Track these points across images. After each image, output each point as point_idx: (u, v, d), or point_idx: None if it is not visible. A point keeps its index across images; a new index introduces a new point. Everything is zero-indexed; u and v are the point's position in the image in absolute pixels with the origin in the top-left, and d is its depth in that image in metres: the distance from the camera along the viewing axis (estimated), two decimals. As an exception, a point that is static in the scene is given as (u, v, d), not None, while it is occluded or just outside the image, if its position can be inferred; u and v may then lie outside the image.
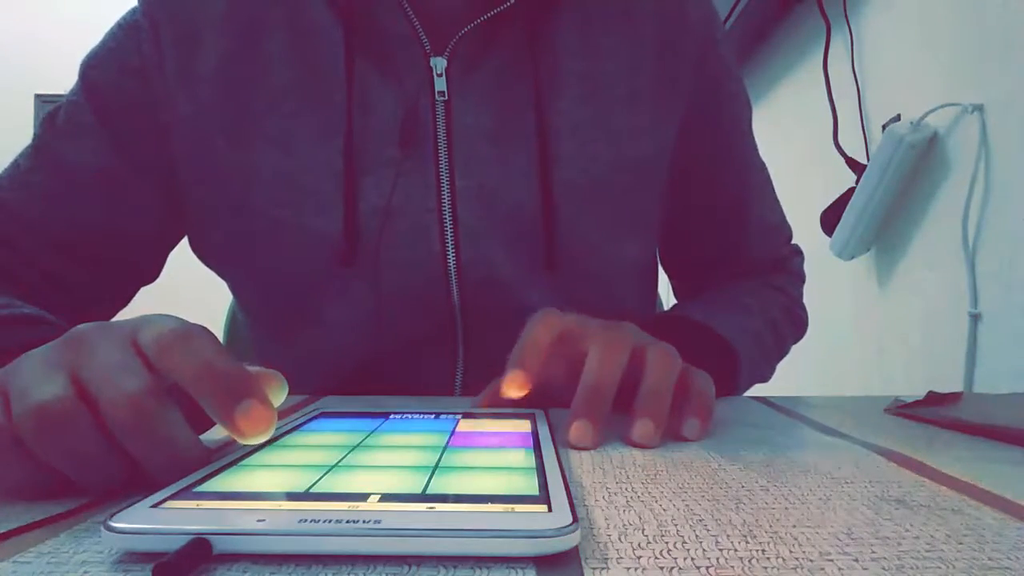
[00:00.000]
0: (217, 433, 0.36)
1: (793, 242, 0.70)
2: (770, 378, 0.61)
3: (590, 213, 0.54)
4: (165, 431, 0.25)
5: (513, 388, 0.36)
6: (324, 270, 0.52)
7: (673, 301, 0.71)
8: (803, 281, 0.69)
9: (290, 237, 0.51)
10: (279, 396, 0.28)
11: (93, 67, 0.54)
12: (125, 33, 0.53)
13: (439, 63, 0.52)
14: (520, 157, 0.53)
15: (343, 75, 0.51)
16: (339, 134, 0.51)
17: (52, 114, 0.54)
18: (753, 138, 0.65)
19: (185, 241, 0.59)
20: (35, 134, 0.54)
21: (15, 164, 0.54)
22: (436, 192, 0.52)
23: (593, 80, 0.55)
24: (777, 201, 0.68)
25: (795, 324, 0.65)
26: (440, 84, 0.52)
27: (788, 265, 0.68)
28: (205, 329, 0.27)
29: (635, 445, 0.34)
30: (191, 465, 0.25)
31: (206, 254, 0.57)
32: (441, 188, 0.52)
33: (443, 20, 0.52)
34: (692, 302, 0.60)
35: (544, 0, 0.54)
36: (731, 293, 0.61)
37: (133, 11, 0.54)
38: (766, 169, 0.67)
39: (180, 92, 0.52)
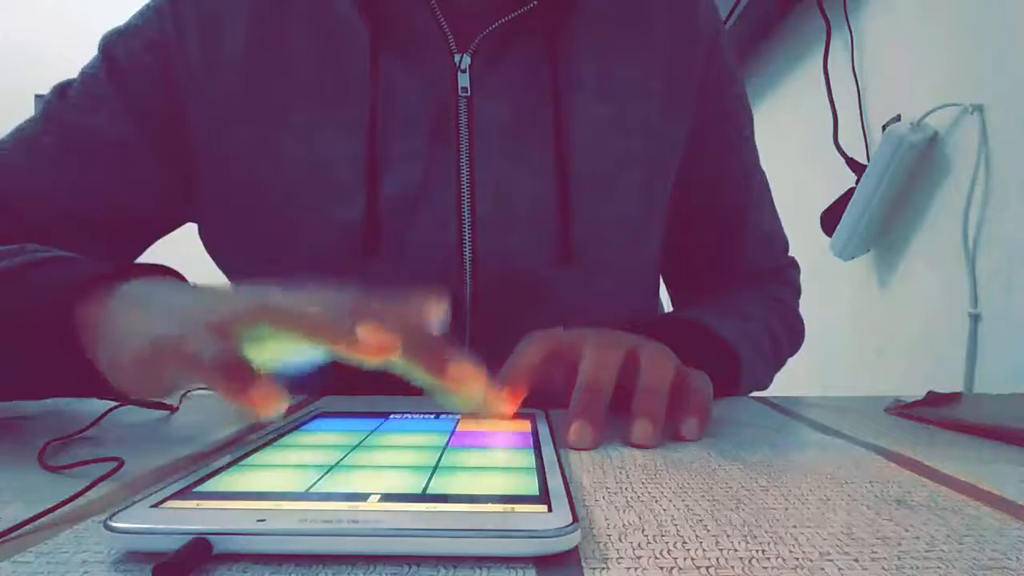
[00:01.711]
0: (217, 433, 0.36)
1: (790, 254, 0.70)
2: (768, 386, 0.61)
3: (605, 209, 0.55)
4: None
5: (500, 406, 0.36)
6: (343, 261, 0.52)
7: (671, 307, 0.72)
8: (799, 293, 0.69)
9: (310, 226, 0.52)
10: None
11: (115, 43, 0.54)
12: (152, 13, 0.54)
13: (463, 59, 0.53)
14: (537, 152, 0.54)
15: (368, 68, 0.51)
16: (363, 126, 0.51)
17: (63, 87, 0.54)
18: (754, 145, 0.66)
19: (189, 240, 0.59)
20: (45, 102, 0.54)
21: (19, 130, 0.53)
22: (455, 185, 0.52)
23: (609, 80, 0.56)
24: (775, 211, 0.68)
25: (792, 335, 0.65)
26: (463, 80, 0.53)
27: (785, 276, 0.68)
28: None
29: (634, 446, 0.34)
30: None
31: (219, 243, 0.57)
32: (460, 181, 0.52)
33: (469, 18, 0.53)
34: (692, 308, 0.60)
35: (563, 3, 0.55)
36: (730, 301, 0.61)
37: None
38: (766, 178, 0.67)
39: (202, 79, 0.52)
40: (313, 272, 0.53)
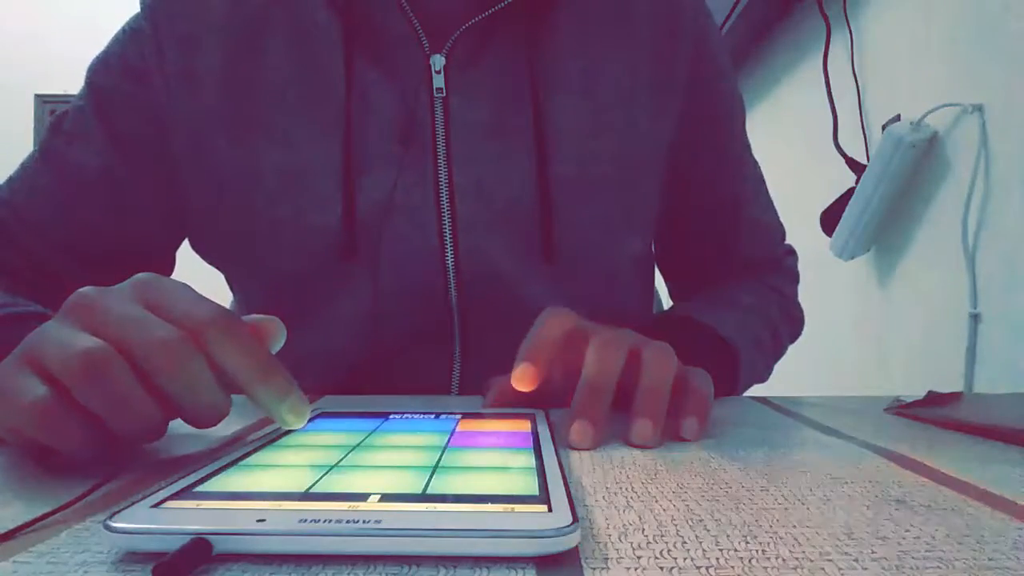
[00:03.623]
0: (217, 432, 0.36)
1: (787, 242, 0.70)
2: (767, 378, 0.61)
3: (587, 208, 0.55)
4: (198, 371, 0.27)
5: (522, 382, 0.36)
6: (325, 266, 0.52)
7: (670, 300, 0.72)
8: (797, 280, 0.69)
9: (291, 234, 0.52)
10: (278, 342, 0.31)
11: (98, 72, 0.55)
12: (129, 37, 0.54)
13: (437, 60, 0.52)
14: (517, 152, 0.53)
15: (342, 73, 0.51)
16: (339, 131, 0.51)
17: (60, 118, 0.55)
18: (746, 138, 0.66)
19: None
20: (43, 137, 0.55)
21: (23, 167, 0.55)
22: (434, 187, 0.52)
23: (590, 78, 0.55)
24: (771, 201, 0.68)
25: (791, 323, 0.65)
26: (438, 81, 0.52)
27: (782, 265, 0.68)
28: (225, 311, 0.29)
29: (635, 446, 0.34)
30: (220, 409, 0.28)
31: (207, 252, 0.57)
32: (439, 183, 0.52)
33: (441, 18, 0.52)
34: (691, 302, 0.60)
35: (541, 1, 0.54)
36: (728, 293, 0.61)
37: (137, 16, 0.55)
38: (759, 169, 0.67)
39: (182, 93, 0.52)
40: (297, 277, 0.53)
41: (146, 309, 0.28)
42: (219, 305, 0.29)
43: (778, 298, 0.64)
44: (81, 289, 0.29)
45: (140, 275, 0.30)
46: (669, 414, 0.35)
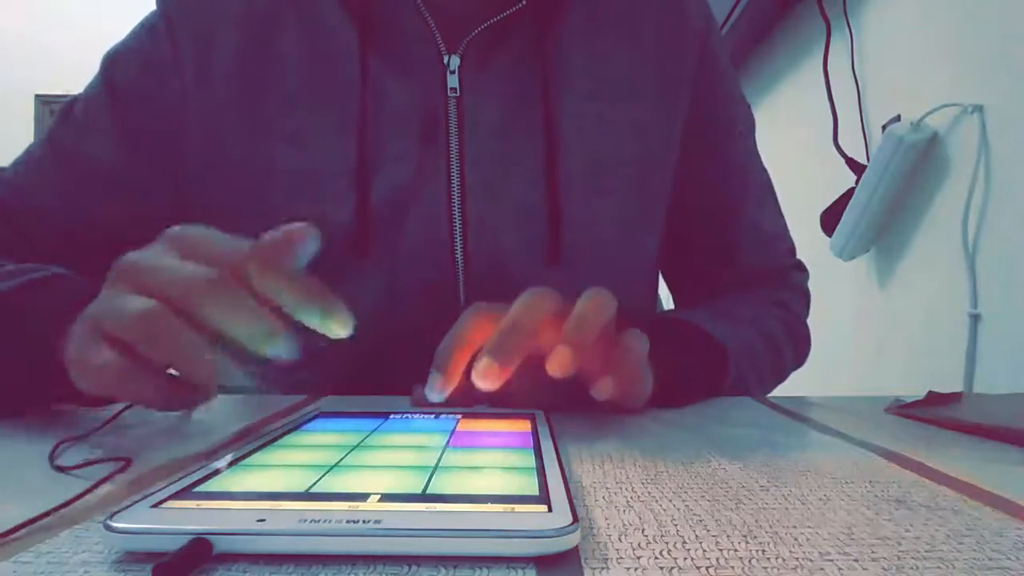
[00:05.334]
0: (217, 432, 0.36)
1: (798, 258, 0.68)
2: (759, 395, 0.60)
3: (596, 208, 0.55)
4: (242, 300, 0.30)
5: (432, 393, 0.35)
6: (336, 263, 0.52)
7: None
8: (808, 299, 0.67)
9: None
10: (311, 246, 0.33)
11: (114, 63, 0.55)
12: (146, 32, 0.55)
13: (452, 60, 0.53)
14: (528, 152, 0.54)
15: (357, 71, 0.52)
16: (353, 129, 0.51)
17: (70, 106, 0.55)
18: (753, 144, 0.65)
19: None
20: (51, 124, 0.55)
21: (29, 152, 0.55)
22: (446, 185, 0.53)
23: (599, 80, 0.56)
24: (779, 213, 0.67)
25: (796, 342, 0.63)
26: (452, 81, 0.53)
27: (790, 279, 0.66)
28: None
29: (553, 374, 0.33)
30: (273, 334, 0.30)
31: None
32: (451, 181, 0.53)
33: (457, 19, 0.53)
34: (684, 311, 0.60)
35: (552, 3, 0.55)
36: (728, 303, 0.61)
37: (154, 12, 0.55)
38: (767, 177, 0.66)
39: (196, 91, 0.53)
40: (309, 274, 0.53)
41: (183, 259, 0.31)
42: (247, 241, 0.32)
43: (782, 315, 0.62)
44: (123, 256, 0.32)
45: (171, 229, 0.34)
46: (596, 371, 0.35)
